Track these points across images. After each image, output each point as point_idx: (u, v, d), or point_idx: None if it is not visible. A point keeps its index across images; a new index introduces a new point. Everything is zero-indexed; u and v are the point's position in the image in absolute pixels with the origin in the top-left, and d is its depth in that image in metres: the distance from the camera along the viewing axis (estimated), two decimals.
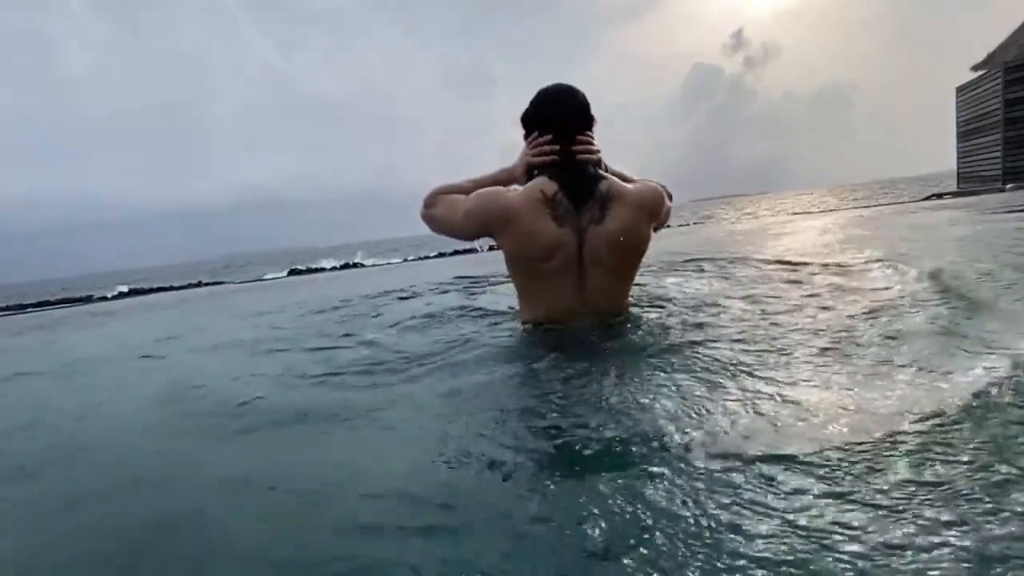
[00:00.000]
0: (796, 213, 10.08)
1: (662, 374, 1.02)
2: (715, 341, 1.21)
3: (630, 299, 1.60)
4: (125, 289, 10.31)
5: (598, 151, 1.46)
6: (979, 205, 5.54)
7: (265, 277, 9.74)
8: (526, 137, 1.50)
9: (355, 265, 10.34)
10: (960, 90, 13.25)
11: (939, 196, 10.65)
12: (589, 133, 1.45)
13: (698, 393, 0.91)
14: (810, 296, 1.62)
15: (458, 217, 1.44)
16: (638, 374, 1.04)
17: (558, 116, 1.42)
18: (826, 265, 2.16)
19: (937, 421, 0.74)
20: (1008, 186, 10.68)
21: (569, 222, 1.35)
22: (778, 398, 0.86)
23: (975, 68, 12.92)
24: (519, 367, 1.18)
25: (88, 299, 8.71)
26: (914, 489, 0.60)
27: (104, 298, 8.68)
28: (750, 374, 0.98)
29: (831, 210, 9.65)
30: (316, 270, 10.30)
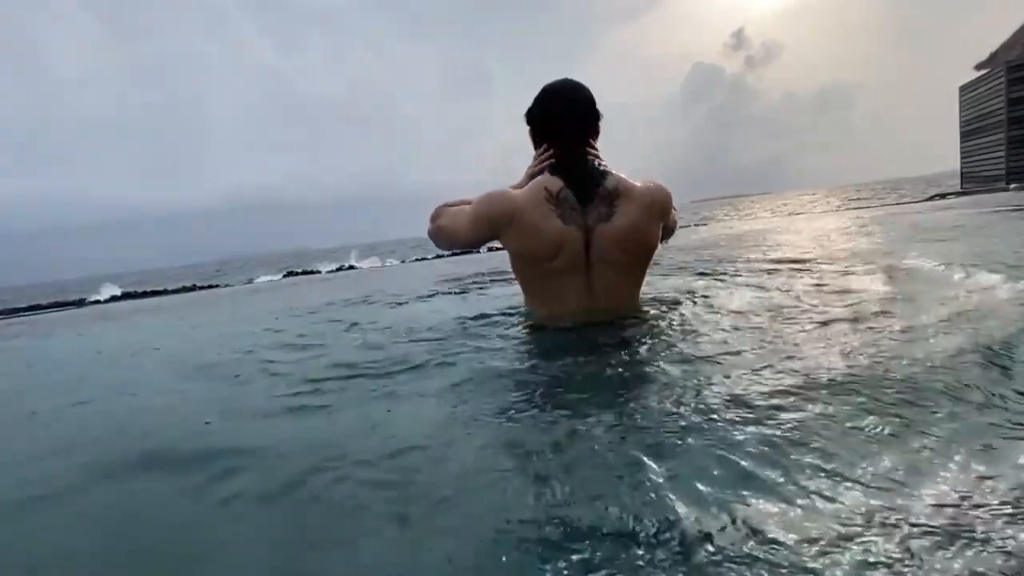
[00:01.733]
0: (799, 213, 9.97)
1: (677, 396, 0.89)
2: (731, 355, 1.08)
3: (640, 301, 1.52)
4: (118, 292, 10.18)
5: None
6: (982, 204, 5.42)
7: (257, 280, 9.62)
8: (531, 134, 1.47)
9: (350, 267, 10.22)
10: (963, 89, 13.13)
11: (942, 196, 10.53)
12: (593, 144, 1.42)
13: (712, 422, 0.78)
14: (848, 306, 1.45)
15: (465, 223, 1.40)
16: (650, 394, 0.92)
17: (563, 113, 1.39)
18: (846, 267, 2.04)
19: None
20: (1012, 185, 10.56)
21: (575, 220, 1.32)
22: (807, 439, 0.72)
23: (978, 67, 12.81)
24: (518, 385, 1.06)
25: (81, 302, 8.61)
26: None
27: (97, 301, 8.59)
28: (775, 398, 0.85)
29: (834, 210, 9.54)
30: (312, 272, 10.19)
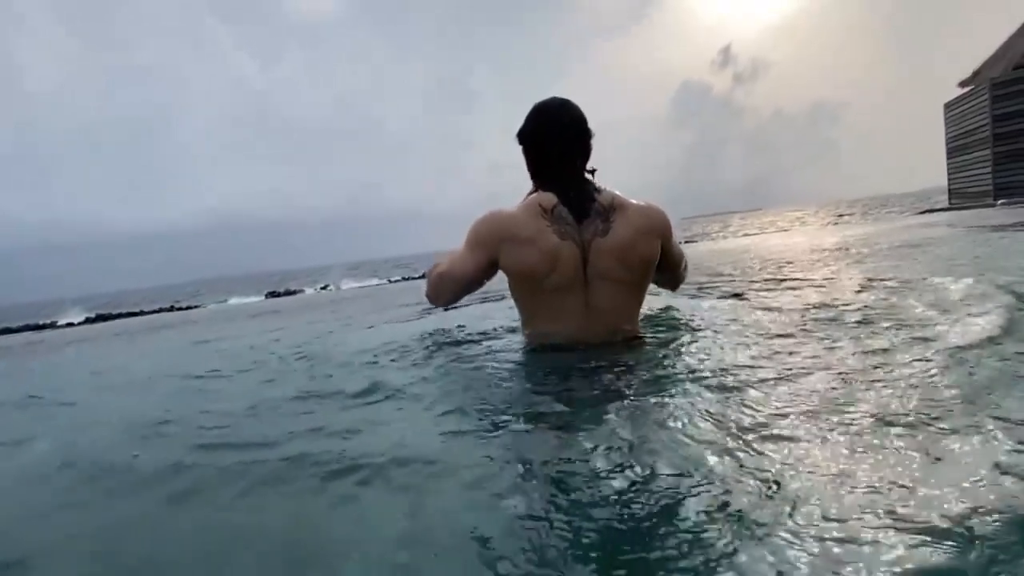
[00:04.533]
0: (786, 230, 9.92)
1: (676, 426, 0.84)
2: (734, 381, 1.01)
3: (638, 321, 1.48)
4: (91, 315, 9.93)
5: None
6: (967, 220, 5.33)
7: (230, 301, 9.41)
8: (524, 153, 1.46)
9: (330, 288, 10.04)
10: (948, 106, 13.22)
11: (930, 212, 10.52)
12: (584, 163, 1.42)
13: (714, 455, 0.73)
14: (852, 325, 1.36)
15: (463, 255, 1.38)
16: (648, 424, 0.86)
17: (554, 131, 1.39)
18: (844, 283, 1.92)
19: None
20: (999, 201, 10.56)
21: (571, 235, 1.31)
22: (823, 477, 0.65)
23: (962, 84, 12.90)
24: (509, 411, 0.99)
25: (53, 325, 8.40)
26: None
27: (71, 324, 8.37)
28: (778, 427, 0.79)
29: (824, 227, 9.52)
30: (296, 292, 10.01)
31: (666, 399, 0.95)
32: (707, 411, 0.87)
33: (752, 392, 0.95)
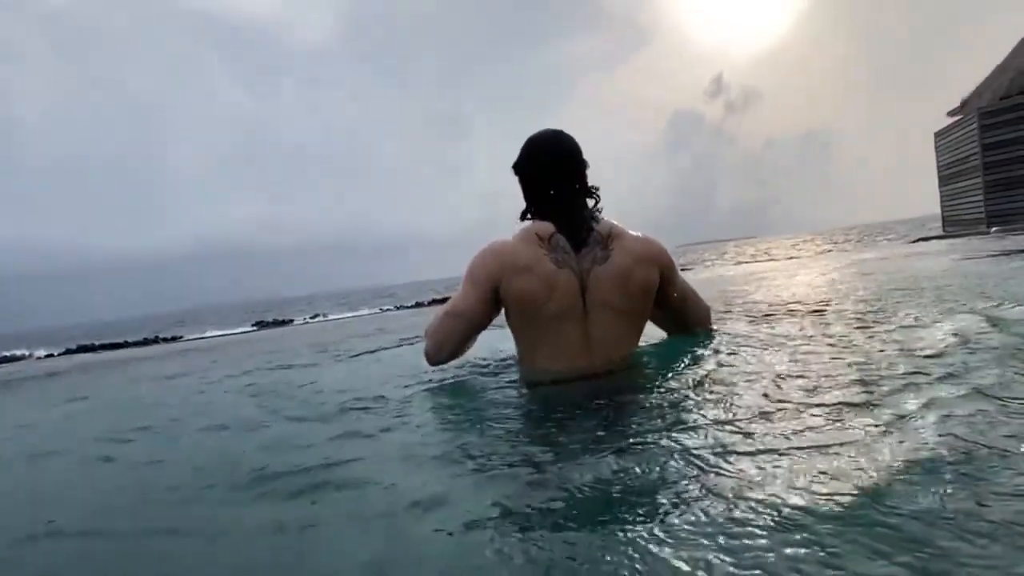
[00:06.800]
0: (780, 258, 9.87)
1: (677, 466, 0.79)
2: (735, 417, 0.95)
3: (638, 353, 1.43)
4: (73, 346, 9.72)
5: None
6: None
7: (207, 334, 9.22)
8: (520, 184, 1.44)
9: (322, 316, 9.88)
10: (938, 135, 13.36)
11: (924, 240, 10.49)
12: (582, 191, 1.40)
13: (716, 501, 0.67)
14: (863, 361, 1.25)
15: (465, 292, 1.34)
16: (650, 464, 0.81)
17: (548, 163, 1.38)
18: (855, 315, 1.79)
19: None
20: (993, 229, 10.55)
21: (569, 264, 1.29)
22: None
23: (951, 114, 13.06)
24: (507, 445, 0.95)
25: (28, 356, 8.21)
26: None
27: (51, 355, 8.21)
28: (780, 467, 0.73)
29: (827, 251, 9.51)
30: (285, 322, 9.84)
31: (664, 441, 0.90)
32: (712, 454, 0.82)
33: (751, 430, 0.89)
